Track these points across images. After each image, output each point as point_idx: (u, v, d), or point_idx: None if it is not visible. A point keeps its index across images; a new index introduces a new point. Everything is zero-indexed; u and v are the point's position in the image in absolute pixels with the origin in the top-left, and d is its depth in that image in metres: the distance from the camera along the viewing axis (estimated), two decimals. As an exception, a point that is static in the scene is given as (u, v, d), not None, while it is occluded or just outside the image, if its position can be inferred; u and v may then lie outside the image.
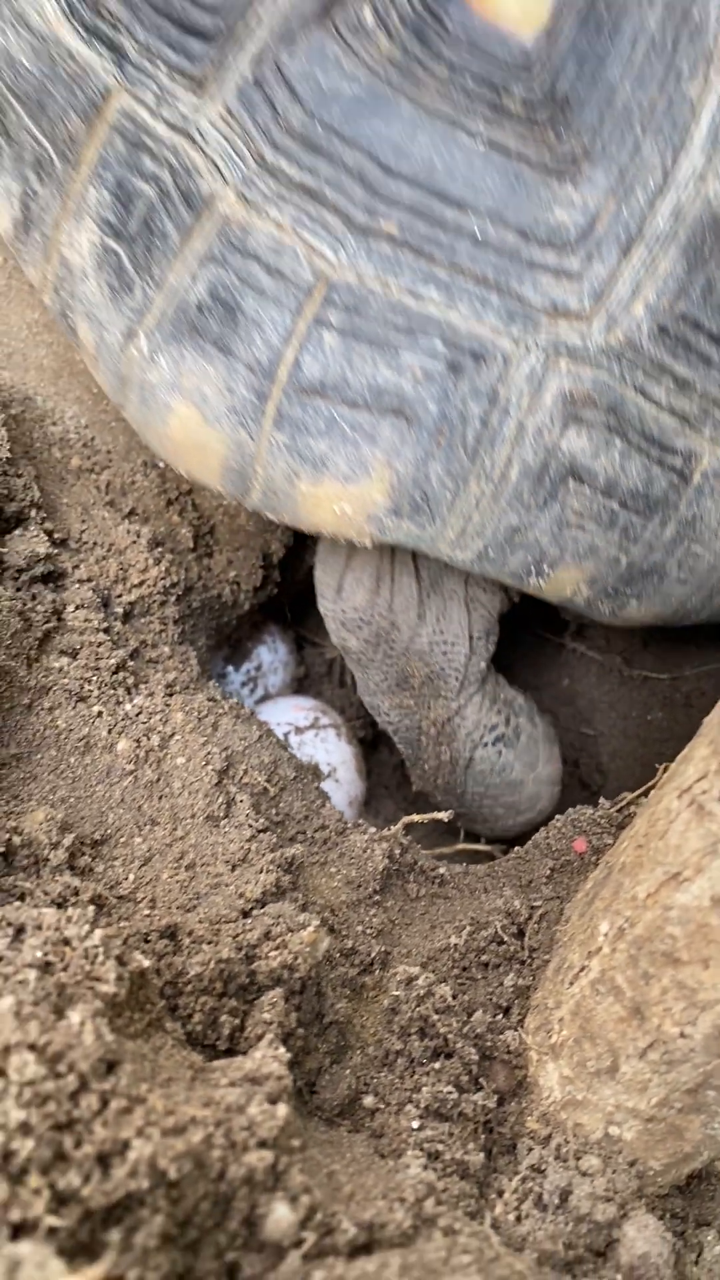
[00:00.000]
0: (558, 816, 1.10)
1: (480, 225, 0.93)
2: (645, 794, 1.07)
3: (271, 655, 1.61)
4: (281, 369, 0.96)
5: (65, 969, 0.70)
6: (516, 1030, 0.90)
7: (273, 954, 0.85)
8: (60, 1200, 0.59)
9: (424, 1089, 0.85)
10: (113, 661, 1.08)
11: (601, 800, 1.10)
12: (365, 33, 0.92)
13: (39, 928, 0.73)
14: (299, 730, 1.45)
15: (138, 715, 1.06)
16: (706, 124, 0.92)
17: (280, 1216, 0.63)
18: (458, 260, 0.94)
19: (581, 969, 0.85)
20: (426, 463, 0.97)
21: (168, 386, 1.00)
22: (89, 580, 1.15)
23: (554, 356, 0.96)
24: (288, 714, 1.48)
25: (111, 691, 1.06)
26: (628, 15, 0.90)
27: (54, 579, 1.12)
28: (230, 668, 1.58)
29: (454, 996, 0.91)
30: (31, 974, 0.68)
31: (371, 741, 1.64)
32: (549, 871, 1.05)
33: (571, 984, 0.86)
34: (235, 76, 0.95)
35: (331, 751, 1.41)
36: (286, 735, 1.43)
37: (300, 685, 1.67)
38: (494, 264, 0.94)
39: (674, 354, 0.97)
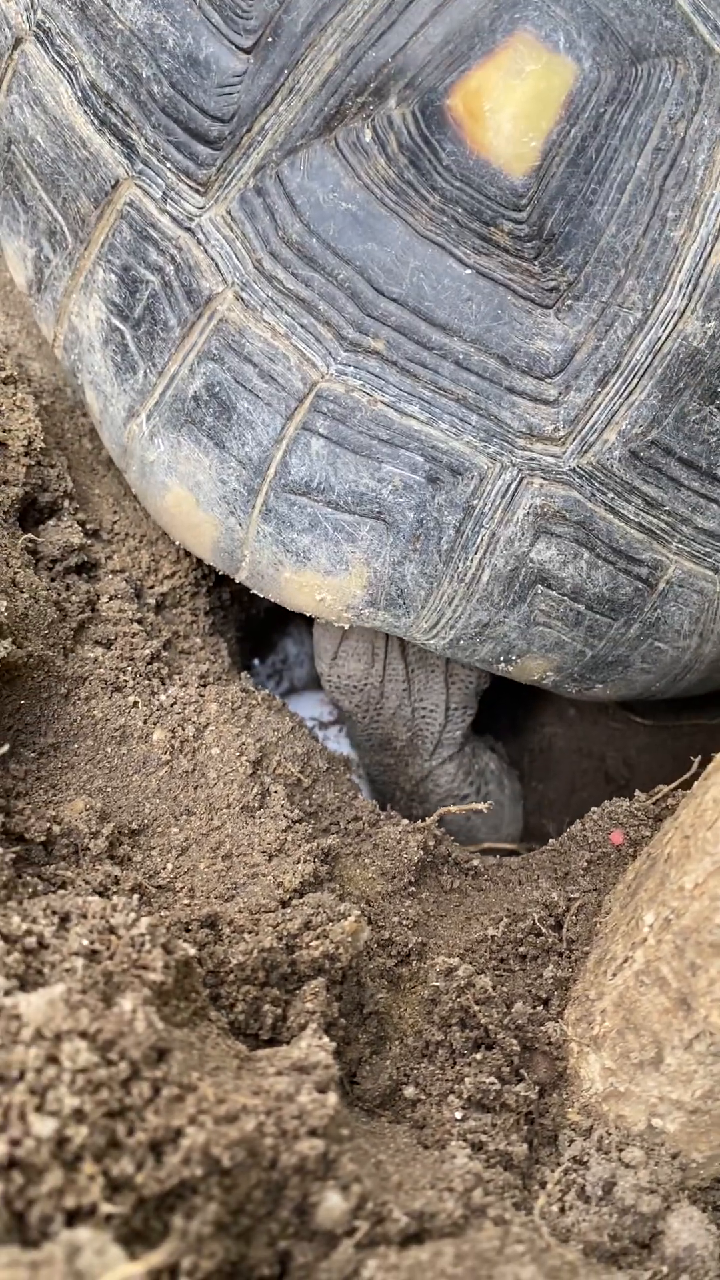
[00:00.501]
0: (594, 809, 1.10)
1: (464, 350, 0.97)
2: (683, 786, 1.07)
3: (297, 648, 1.61)
4: (270, 467, 1.01)
5: (112, 957, 0.70)
6: (557, 1022, 0.90)
7: (314, 943, 0.85)
8: (114, 1187, 0.59)
9: (466, 1080, 0.84)
10: (147, 652, 1.07)
11: (637, 793, 1.10)
12: (364, 152, 0.94)
13: (84, 916, 0.73)
14: (323, 725, 1.45)
15: (172, 706, 1.06)
16: (688, 267, 0.95)
17: (332, 1205, 0.63)
18: (441, 381, 0.98)
19: (625, 960, 0.84)
20: (403, 564, 1.02)
21: (165, 468, 1.05)
22: (122, 571, 1.15)
23: (528, 475, 1.00)
24: (313, 709, 1.47)
25: (146, 682, 1.06)
26: (616, 160, 0.93)
27: (87, 569, 1.12)
28: (256, 660, 1.58)
29: (494, 988, 0.91)
30: (79, 962, 0.68)
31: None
32: (586, 864, 1.04)
33: (614, 975, 0.85)
34: (238, 183, 0.98)
35: (359, 745, 1.41)
36: (312, 730, 1.43)
37: (326, 678, 1.66)
38: (475, 387, 0.98)
39: (644, 477, 1.01)
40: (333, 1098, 0.67)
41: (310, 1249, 0.63)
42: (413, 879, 1.05)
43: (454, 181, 0.94)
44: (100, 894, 0.84)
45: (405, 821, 1.11)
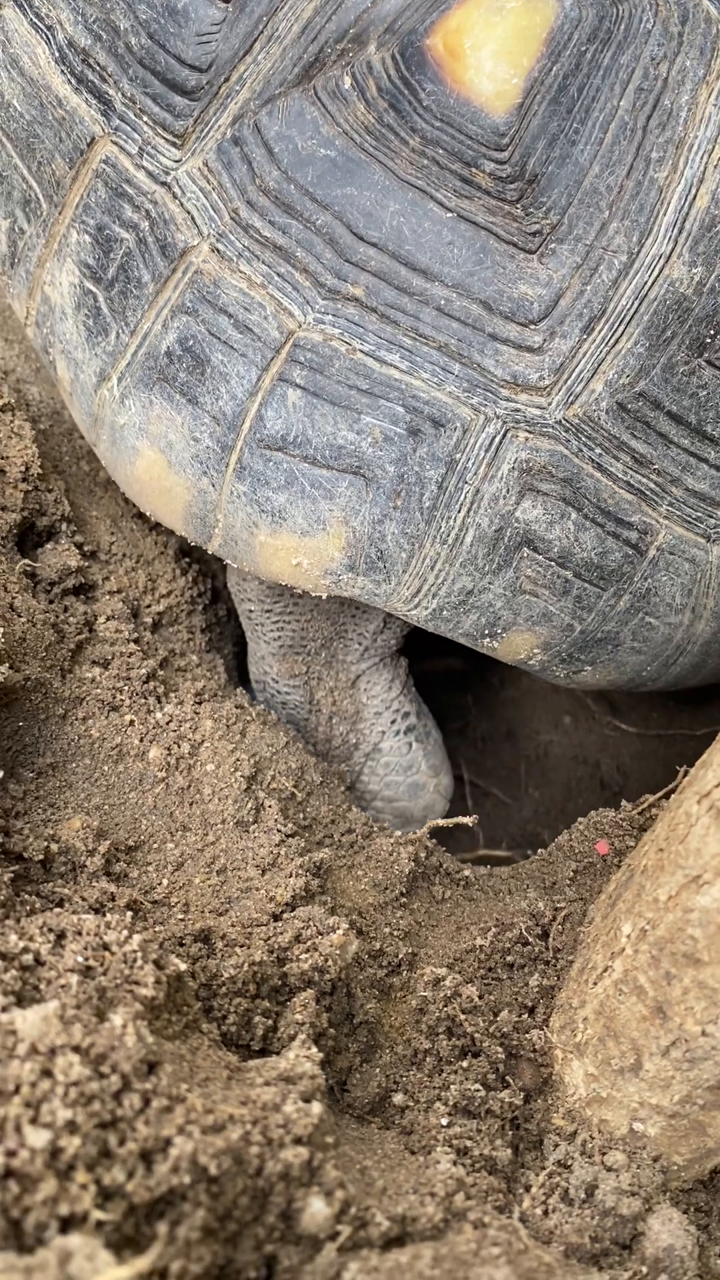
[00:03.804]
0: (580, 819, 1.12)
1: (445, 295, 0.95)
2: (667, 796, 1.09)
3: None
4: (245, 422, 0.98)
5: (105, 973, 0.73)
6: (542, 1029, 0.93)
7: (303, 956, 0.88)
8: (106, 1195, 0.61)
9: (452, 1087, 0.87)
10: (143, 671, 1.10)
11: (624, 802, 1.12)
12: (343, 99, 0.94)
13: (79, 933, 0.76)
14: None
15: (168, 723, 1.08)
16: (673, 209, 0.94)
17: (316, 1210, 0.66)
18: (422, 328, 0.96)
19: (605, 969, 0.87)
20: (383, 522, 0.98)
21: (136, 430, 1.02)
22: (119, 591, 1.18)
23: (512, 427, 0.97)
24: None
25: (142, 700, 1.09)
26: (598, 99, 0.93)
27: (85, 591, 1.15)
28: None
29: (480, 997, 0.93)
30: (74, 978, 0.71)
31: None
32: (572, 873, 1.07)
33: (595, 984, 0.88)
34: (215, 133, 0.98)
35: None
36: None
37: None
38: (457, 334, 0.96)
39: (633, 431, 0.99)
40: (317, 1107, 0.70)
41: (295, 1252, 0.66)
42: (404, 890, 1.07)
43: (434, 122, 0.93)
44: (96, 910, 0.87)
45: (397, 833, 1.14)
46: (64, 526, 1.16)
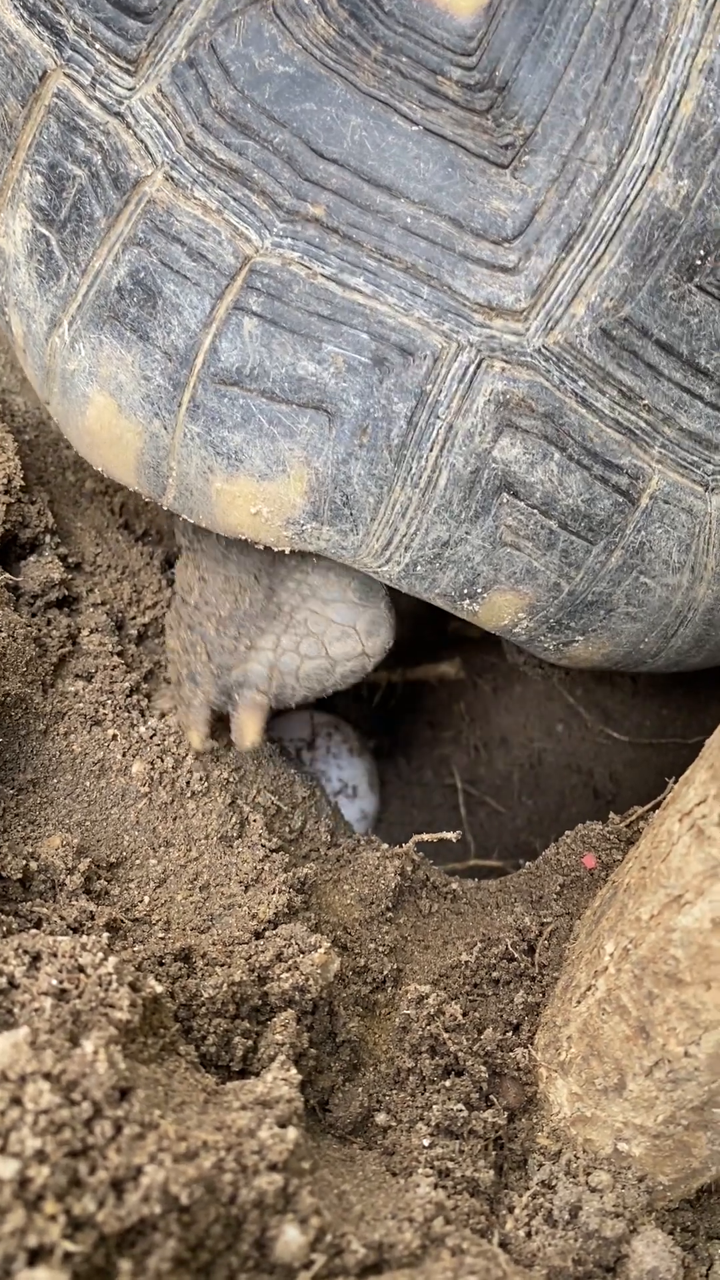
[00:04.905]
0: (568, 832, 1.11)
1: (411, 212, 0.90)
2: (655, 808, 1.08)
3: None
4: (198, 356, 0.92)
5: (80, 996, 0.72)
6: (526, 1047, 0.92)
7: (284, 975, 0.87)
8: (75, 1226, 0.61)
9: (435, 1107, 0.86)
10: (127, 685, 1.09)
11: (611, 815, 1.11)
12: (302, 14, 0.90)
13: (54, 955, 0.75)
14: (311, 745, 1.47)
15: (152, 737, 1.08)
16: (655, 117, 0.88)
17: (290, 1239, 0.65)
18: (387, 248, 0.90)
19: (588, 988, 0.86)
20: (348, 463, 0.91)
21: (86, 375, 0.97)
22: (103, 603, 1.17)
23: (488, 356, 0.91)
24: (300, 729, 1.49)
25: (126, 714, 1.08)
26: None
27: (68, 603, 1.14)
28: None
29: (464, 1014, 0.93)
30: (47, 1002, 0.70)
31: (385, 754, 1.65)
32: (559, 887, 1.06)
33: (579, 1002, 0.87)
34: (170, 57, 0.93)
35: (344, 767, 1.43)
36: (299, 750, 1.45)
37: (315, 698, 1.68)
38: (425, 253, 0.90)
39: (619, 361, 0.92)
40: (293, 1133, 0.69)
41: (269, 1282, 0.65)
42: (390, 904, 1.07)
43: (396, 29, 0.87)
44: (74, 930, 0.86)
45: (384, 846, 1.13)
46: (47, 539, 1.15)
